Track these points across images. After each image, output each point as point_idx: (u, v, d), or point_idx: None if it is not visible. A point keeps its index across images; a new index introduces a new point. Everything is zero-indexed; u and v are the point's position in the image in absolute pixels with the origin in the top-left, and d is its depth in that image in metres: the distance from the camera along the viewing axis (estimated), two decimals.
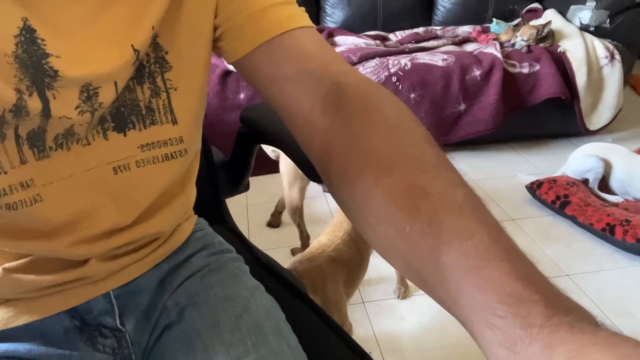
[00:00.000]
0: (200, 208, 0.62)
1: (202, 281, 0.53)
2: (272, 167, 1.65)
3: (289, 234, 1.56)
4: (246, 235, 0.82)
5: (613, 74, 2.15)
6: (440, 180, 0.31)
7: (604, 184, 1.79)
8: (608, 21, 2.23)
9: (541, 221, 1.73)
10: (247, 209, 1.84)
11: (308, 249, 1.07)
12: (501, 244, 0.27)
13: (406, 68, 2.04)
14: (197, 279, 0.53)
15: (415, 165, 0.33)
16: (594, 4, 2.25)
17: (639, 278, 1.43)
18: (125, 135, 0.41)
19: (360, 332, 1.27)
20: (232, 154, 0.83)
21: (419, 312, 1.33)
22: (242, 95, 2.00)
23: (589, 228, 1.60)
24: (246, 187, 0.87)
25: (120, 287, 0.49)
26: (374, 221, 0.33)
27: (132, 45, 0.38)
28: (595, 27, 2.24)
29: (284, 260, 1.50)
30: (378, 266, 1.44)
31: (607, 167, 1.77)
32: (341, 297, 1.00)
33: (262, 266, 0.68)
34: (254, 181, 0.83)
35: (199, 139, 0.51)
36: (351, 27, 2.57)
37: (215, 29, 0.44)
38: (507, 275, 0.25)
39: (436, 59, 2.09)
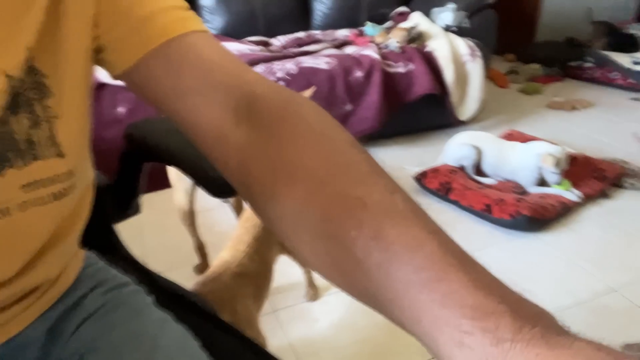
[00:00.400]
0: (87, 240, 0.55)
1: (101, 323, 0.47)
2: (164, 182, 1.55)
3: (189, 251, 1.48)
4: (143, 260, 0.75)
5: (475, 69, 2.39)
6: (377, 188, 0.29)
7: (478, 168, 1.99)
8: (467, 21, 2.48)
9: (429, 208, 1.80)
10: (140, 230, 1.71)
11: (211, 269, 1.02)
12: (452, 251, 0.26)
13: (292, 72, 2.07)
14: (94, 321, 0.47)
15: (349, 175, 0.30)
16: (453, 5, 2.49)
17: (516, 250, 1.61)
18: (2, 175, 0.34)
19: (275, 342, 1.25)
20: (118, 175, 0.76)
21: (331, 312, 1.35)
22: (120, 109, 1.86)
23: (470, 210, 1.76)
24: (137, 209, 0.81)
25: (2, 345, 0.42)
26: (310, 240, 0.31)
27: (4, 71, 0.32)
28: (456, 27, 2.47)
29: (188, 279, 1.43)
30: (286, 272, 1.43)
31: (479, 153, 1.96)
32: (251, 312, 0.97)
33: (166, 294, 0.63)
34: (145, 199, 0.76)
35: (90, 169, 0.45)
36: (232, 33, 2.53)
37: (94, 40, 0.39)
38: (466, 286, 0.23)
39: (320, 62, 2.15)
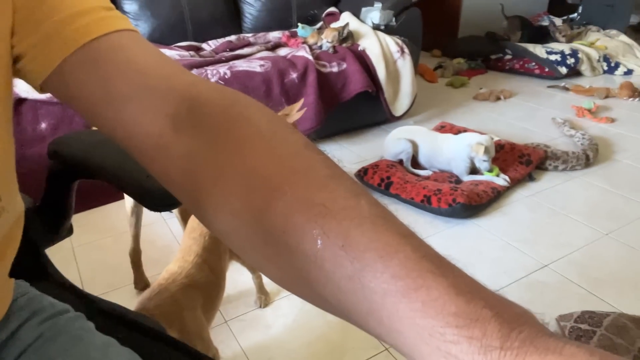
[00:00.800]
0: (15, 268, 0.52)
1: (39, 355, 0.44)
2: (97, 199, 1.47)
3: (128, 270, 1.42)
4: (79, 284, 0.71)
5: (405, 66, 2.47)
6: (340, 193, 0.27)
7: (415, 160, 2.06)
8: (394, 20, 2.56)
9: None
10: (74, 252, 1.62)
11: (157, 281, 0.98)
12: (428, 255, 0.24)
13: (226, 77, 2.03)
14: (31, 354, 0.44)
15: (307, 180, 0.28)
16: (379, 5, 2.56)
17: (455, 236, 1.68)
18: None
19: (229, 353, 1.23)
20: (45, 196, 0.71)
21: (283, 316, 1.34)
22: (43, 125, 1.74)
23: (410, 202, 1.82)
24: (69, 231, 0.76)
25: None
26: (272, 253, 0.28)
27: None
28: (385, 25, 2.54)
29: (131, 299, 1.37)
30: (236, 281, 1.41)
31: (414, 146, 2.03)
32: (201, 324, 0.95)
33: (108, 317, 0.60)
34: (77, 219, 0.72)
35: (18, 193, 0.41)
36: (160, 39, 2.45)
37: (12, 49, 0.35)
38: (447, 292, 0.22)
39: (254, 65, 2.13)
